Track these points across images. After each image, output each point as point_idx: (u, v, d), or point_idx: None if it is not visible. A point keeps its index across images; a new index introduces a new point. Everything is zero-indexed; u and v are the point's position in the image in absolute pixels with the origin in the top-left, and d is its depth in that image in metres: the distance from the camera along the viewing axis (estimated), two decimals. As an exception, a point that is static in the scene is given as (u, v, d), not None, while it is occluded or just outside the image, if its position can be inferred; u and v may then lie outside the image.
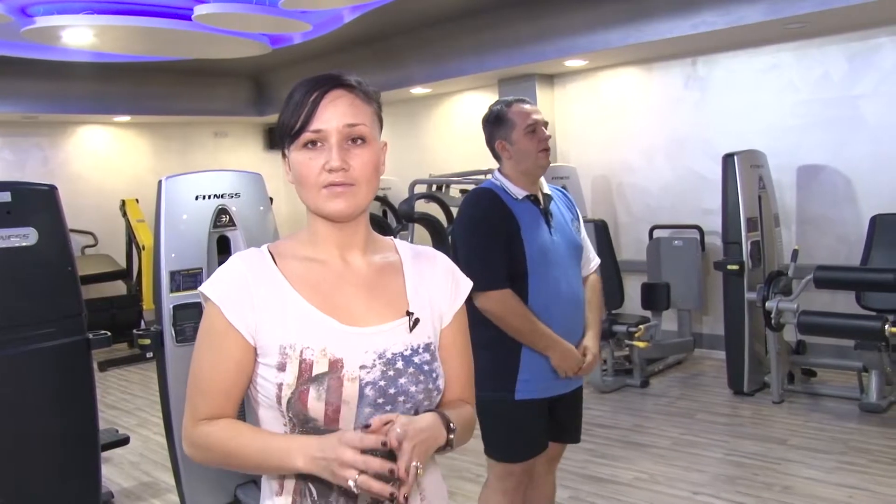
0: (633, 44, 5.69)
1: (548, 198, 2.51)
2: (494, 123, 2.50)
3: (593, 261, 2.64)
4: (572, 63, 6.46)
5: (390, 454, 1.13)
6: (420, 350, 1.28)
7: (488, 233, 2.40)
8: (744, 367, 5.03)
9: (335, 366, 1.21)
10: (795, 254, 4.89)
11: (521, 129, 2.45)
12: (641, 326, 5.26)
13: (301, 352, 1.21)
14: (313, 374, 1.20)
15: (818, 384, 5.08)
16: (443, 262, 1.39)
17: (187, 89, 8.33)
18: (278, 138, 1.28)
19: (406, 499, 1.11)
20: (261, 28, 5.27)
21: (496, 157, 2.53)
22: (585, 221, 5.41)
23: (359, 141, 1.23)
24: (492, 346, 2.36)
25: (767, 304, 4.62)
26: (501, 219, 2.41)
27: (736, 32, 5.29)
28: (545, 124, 2.50)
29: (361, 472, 1.09)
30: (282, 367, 1.21)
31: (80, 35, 4.94)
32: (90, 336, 3.21)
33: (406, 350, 1.26)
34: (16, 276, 3.02)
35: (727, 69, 6.00)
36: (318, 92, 1.22)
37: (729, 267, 4.99)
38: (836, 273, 4.67)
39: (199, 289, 1.26)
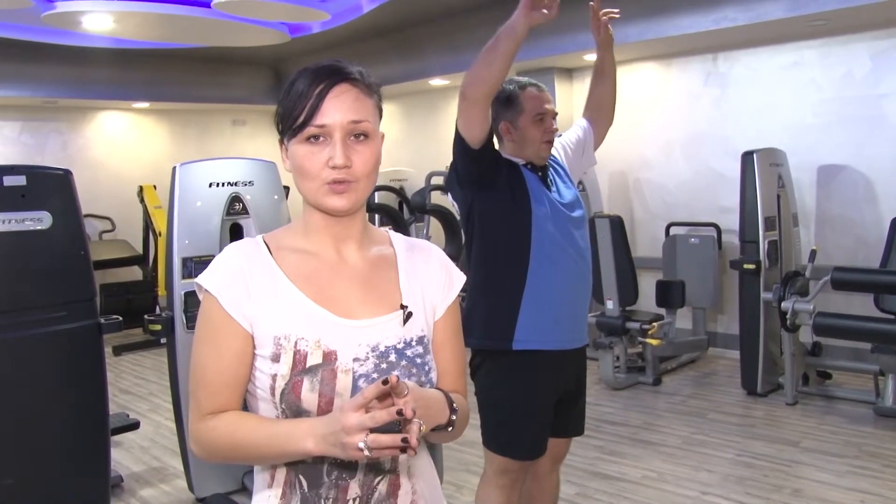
0: (653, 39, 5.64)
1: (546, 168, 2.45)
2: (504, 104, 2.41)
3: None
4: (591, 57, 6.34)
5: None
6: (413, 343, 1.27)
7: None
8: (758, 367, 4.98)
9: (329, 357, 1.20)
10: (813, 254, 4.82)
11: (530, 116, 2.38)
12: (655, 324, 5.24)
13: (295, 343, 1.20)
14: (307, 366, 1.20)
15: (833, 387, 5.02)
16: (437, 255, 1.39)
17: (206, 77, 8.36)
18: (277, 126, 1.25)
19: (415, 445, 1.06)
20: (280, 16, 5.26)
21: (498, 137, 2.44)
22: (601, 216, 5.45)
23: (361, 137, 1.22)
24: (488, 292, 2.28)
25: (783, 304, 4.57)
26: (505, 160, 2.36)
27: (758, 29, 5.23)
28: (554, 115, 2.43)
29: (369, 432, 1.05)
30: (276, 358, 1.20)
31: (99, 21, 4.95)
32: (101, 320, 3.22)
33: (399, 343, 1.26)
34: (29, 260, 3.04)
35: (748, 66, 5.93)
36: (324, 85, 1.20)
37: (745, 266, 4.94)
38: (853, 275, 4.60)
39: (196, 280, 1.25)
